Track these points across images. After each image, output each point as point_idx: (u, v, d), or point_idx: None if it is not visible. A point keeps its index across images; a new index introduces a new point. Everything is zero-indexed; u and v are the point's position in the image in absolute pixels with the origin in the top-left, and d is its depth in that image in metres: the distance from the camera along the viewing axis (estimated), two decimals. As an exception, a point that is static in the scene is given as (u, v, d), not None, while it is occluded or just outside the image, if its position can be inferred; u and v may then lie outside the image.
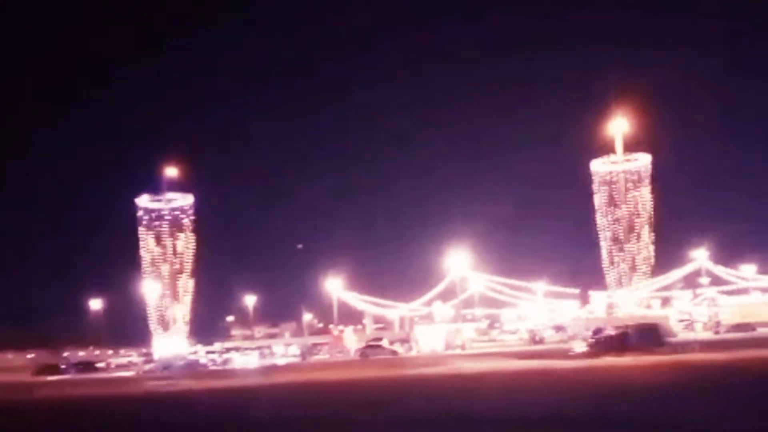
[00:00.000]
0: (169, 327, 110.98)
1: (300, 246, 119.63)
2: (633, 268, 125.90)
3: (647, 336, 41.79)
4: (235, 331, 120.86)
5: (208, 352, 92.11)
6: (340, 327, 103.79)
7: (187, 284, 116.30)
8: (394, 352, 70.93)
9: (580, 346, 45.45)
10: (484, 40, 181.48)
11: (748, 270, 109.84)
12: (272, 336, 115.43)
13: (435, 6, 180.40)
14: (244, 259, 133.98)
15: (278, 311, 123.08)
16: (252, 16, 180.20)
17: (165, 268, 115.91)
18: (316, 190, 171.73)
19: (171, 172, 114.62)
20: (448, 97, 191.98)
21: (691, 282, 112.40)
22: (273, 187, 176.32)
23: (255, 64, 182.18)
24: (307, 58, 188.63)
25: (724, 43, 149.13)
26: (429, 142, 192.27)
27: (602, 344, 41.93)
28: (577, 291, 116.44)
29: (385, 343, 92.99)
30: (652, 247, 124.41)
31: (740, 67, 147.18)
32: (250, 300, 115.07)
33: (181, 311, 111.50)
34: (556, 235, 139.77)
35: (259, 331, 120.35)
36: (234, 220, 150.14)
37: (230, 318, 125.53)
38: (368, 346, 73.92)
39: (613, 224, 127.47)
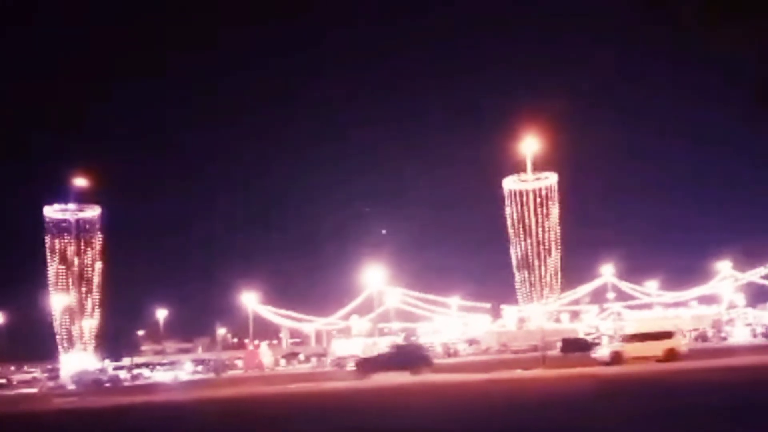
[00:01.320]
0: (75, 342, 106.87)
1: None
2: (543, 283, 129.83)
3: (412, 356, 43.95)
4: (145, 346, 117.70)
5: (116, 368, 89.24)
6: (256, 341, 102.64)
7: (95, 297, 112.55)
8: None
9: (351, 365, 46.87)
10: (397, 64, 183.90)
11: (651, 286, 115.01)
12: (185, 351, 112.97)
13: (353, 35, 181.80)
14: (156, 272, 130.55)
15: (192, 326, 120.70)
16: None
17: (72, 281, 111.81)
18: (232, 201, 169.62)
19: (79, 182, 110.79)
20: (367, 114, 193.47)
21: (598, 297, 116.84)
22: (188, 198, 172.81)
23: (176, 71, 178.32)
24: (228, 68, 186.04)
25: (629, 63, 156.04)
26: (346, 158, 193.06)
27: (370, 363, 43.62)
28: (489, 305, 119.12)
29: (301, 357, 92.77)
30: (560, 264, 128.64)
31: (646, 87, 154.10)
32: (161, 314, 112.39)
33: (89, 325, 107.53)
34: (469, 251, 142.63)
35: (171, 346, 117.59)
36: (146, 232, 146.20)
37: (141, 332, 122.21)
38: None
39: (524, 241, 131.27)
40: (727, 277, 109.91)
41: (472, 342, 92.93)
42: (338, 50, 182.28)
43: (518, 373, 40.32)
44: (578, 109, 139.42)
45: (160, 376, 73.09)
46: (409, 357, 43.83)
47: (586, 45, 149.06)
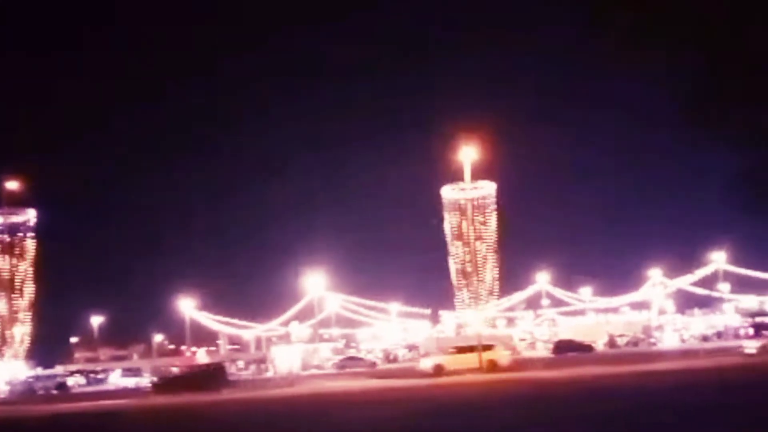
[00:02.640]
0: (6, 349, 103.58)
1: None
2: (480, 289, 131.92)
3: (211, 376, 44.47)
4: (78, 354, 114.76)
5: (48, 376, 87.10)
6: (193, 348, 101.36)
7: (27, 303, 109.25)
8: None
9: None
10: (337, 69, 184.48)
11: (585, 292, 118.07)
12: (120, 358, 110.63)
13: (295, 40, 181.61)
14: (91, 278, 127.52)
15: (127, 333, 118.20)
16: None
17: (2, 286, 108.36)
18: (170, 207, 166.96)
19: (11, 185, 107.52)
20: (307, 120, 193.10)
21: (533, 303, 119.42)
22: (123, 203, 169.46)
23: (120, 70, 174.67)
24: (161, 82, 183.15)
25: (570, 78, 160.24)
26: (286, 164, 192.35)
27: (169, 383, 43.66)
28: (428, 311, 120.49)
29: (240, 363, 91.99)
30: (497, 270, 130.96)
31: (583, 101, 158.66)
32: (95, 321, 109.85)
33: (20, 332, 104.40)
34: (409, 257, 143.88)
35: (105, 353, 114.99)
36: (82, 237, 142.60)
37: (74, 340, 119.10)
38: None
39: (462, 248, 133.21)
40: (657, 284, 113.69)
41: (411, 347, 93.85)
42: (278, 55, 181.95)
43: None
44: (517, 120, 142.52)
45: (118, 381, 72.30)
46: (207, 377, 43.91)
47: (527, 59, 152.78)
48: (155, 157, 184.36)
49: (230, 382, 46.35)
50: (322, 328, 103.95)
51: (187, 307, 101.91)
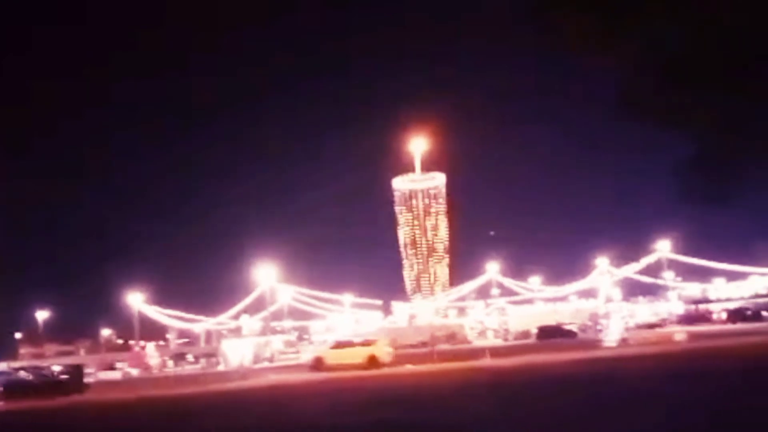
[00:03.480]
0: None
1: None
2: (432, 280, 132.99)
3: (64, 380, 42.78)
4: (23, 350, 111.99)
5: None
6: (142, 342, 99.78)
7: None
8: None
9: None
10: (288, 63, 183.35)
11: (534, 281, 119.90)
12: (66, 354, 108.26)
13: (244, 35, 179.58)
14: (36, 272, 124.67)
15: (74, 327, 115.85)
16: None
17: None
18: (118, 201, 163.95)
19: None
20: (257, 113, 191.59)
21: (483, 293, 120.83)
22: (70, 196, 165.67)
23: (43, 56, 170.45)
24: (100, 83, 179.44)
25: (518, 71, 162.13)
26: (236, 156, 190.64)
27: (20, 388, 41.33)
28: (380, 302, 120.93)
29: (190, 357, 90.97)
30: (448, 261, 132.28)
31: (533, 93, 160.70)
32: (41, 315, 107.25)
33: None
34: (361, 248, 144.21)
35: (51, 348, 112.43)
36: (26, 228, 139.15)
37: (18, 335, 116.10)
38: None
39: (413, 239, 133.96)
40: (604, 272, 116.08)
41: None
42: (229, 50, 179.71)
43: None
44: (466, 114, 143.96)
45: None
46: (59, 382, 42.34)
47: (476, 52, 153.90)
48: (102, 152, 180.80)
49: (86, 385, 44.81)
50: (274, 321, 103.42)
51: (136, 301, 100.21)
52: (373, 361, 41.53)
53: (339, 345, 45.88)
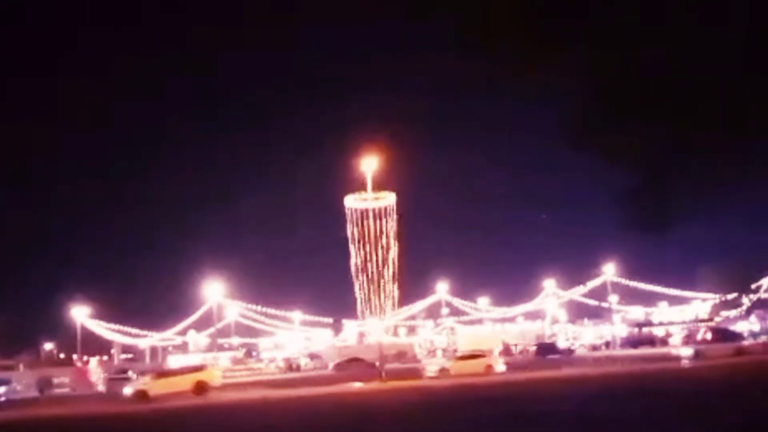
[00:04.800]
0: None
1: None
2: (382, 298, 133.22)
3: None
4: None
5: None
6: (85, 358, 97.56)
7: None
8: None
9: None
10: (239, 75, 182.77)
11: (483, 302, 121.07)
12: (5, 369, 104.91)
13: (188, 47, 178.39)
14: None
15: (14, 341, 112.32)
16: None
17: None
18: (62, 210, 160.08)
19: None
20: (206, 124, 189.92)
21: (433, 312, 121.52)
22: (12, 205, 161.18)
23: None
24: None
25: (466, 91, 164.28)
26: (184, 170, 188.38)
27: None
28: (330, 320, 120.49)
29: (131, 374, 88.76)
30: (398, 280, 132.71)
31: (480, 115, 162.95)
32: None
33: None
34: (311, 265, 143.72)
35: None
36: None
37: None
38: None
39: (364, 257, 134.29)
40: (551, 294, 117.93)
41: (313, 356, 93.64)
42: (186, 58, 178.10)
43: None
44: (416, 133, 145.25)
45: None
46: None
47: (423, 71, 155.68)
48: (49, 161, 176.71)
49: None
50: (221, 337, 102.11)
51: (80, 314, 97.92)
52: (201, 388, 40.56)
53: (163, 374, 44.83)
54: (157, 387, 41.26)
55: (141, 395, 40.68)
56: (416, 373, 49.87)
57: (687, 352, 51.78)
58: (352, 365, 67.55)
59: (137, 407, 36.68)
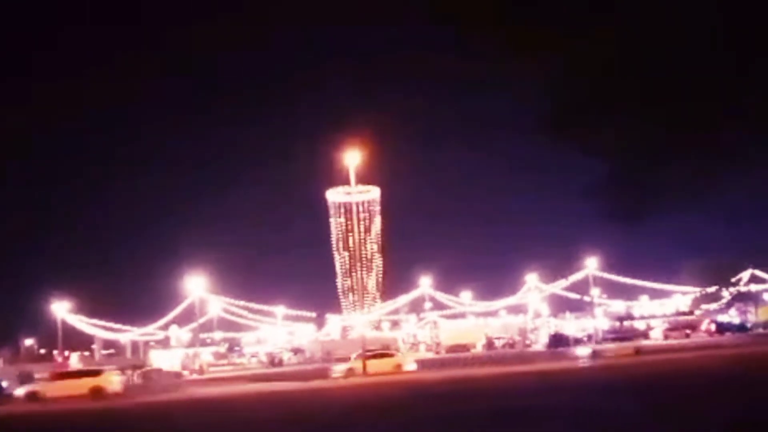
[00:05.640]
0: None
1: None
2: (365, 293, 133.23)
3: None
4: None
5: None
6: (66, 353, 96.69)
7: None
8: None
9: None
10: (227, 71, 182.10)
11: (465, 296, 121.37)
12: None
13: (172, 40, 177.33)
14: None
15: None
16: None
17: None
18: (43, 205, 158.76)
19: None
20: (191, 118, 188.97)
21: (416, 306, 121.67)
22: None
23: None
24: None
25: (447, 89, 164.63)
26: (167, 162, 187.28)
27: None
28: (314, 314, 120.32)
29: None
30: (382, 274, 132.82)
31: (465, 112, 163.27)
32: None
33: None
34: (294, 260, 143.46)
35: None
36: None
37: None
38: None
39: (348, 251, 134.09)
40: (533, 288, 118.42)
41: (296, 351, 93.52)
42: (172, 55, 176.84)
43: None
44: (400, 128, 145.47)
45: None
46: None
47: (404, 70, 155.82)
48: (26, 158, 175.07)
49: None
50: (203, 332, 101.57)
51: (60, 309, 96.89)
52: (98, 393, 39.37)
53: (59, 376, 43.19)
54: (51, 389, 40.31)
55: (32, 397, 39.73)
56: (323, 373, 48.64)
57: (585, 351, 52.10)
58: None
59: (26, 408, 35.81)
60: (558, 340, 78.26)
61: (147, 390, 48.63)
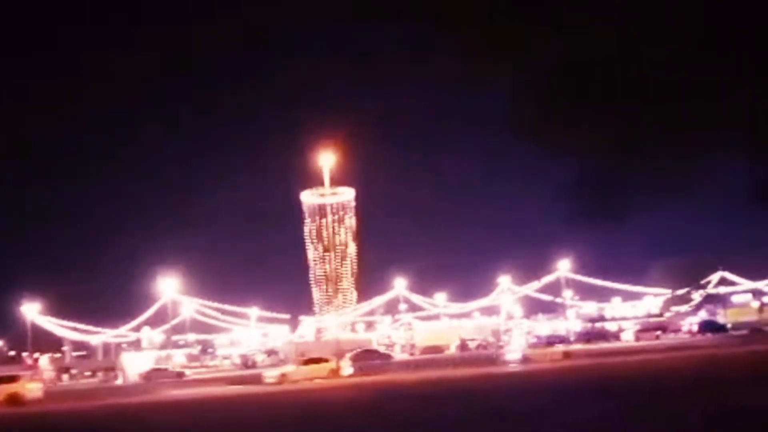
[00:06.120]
0: None
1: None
2: (340, 294, 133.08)
3: None
4: None
5: None
6: (36, 355, 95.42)
7: None
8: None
9: None
10: (199, 74, 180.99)
11: (440, 298, 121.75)
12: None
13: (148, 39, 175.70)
14: None
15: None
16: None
17: None
18: (12, 205, 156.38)
19: None
20: (162, 121, 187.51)
21: (391, 308, 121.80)
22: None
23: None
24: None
25: (422, 88, 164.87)
26: (138, 164, 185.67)
27: None
28: (288, 316, 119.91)
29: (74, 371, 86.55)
30: (356, 275, 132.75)
31: (440, 111, 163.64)
32: None
33: None
34: (269, 261, 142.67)
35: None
36: None
37: None
38: None
39: (322, 252, 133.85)
40: (506, 290, 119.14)
41: (270, 353, 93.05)
42: (145, 53, 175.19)
43: None
44: (374, 128, 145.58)
45: None
46: None
47: (377, 69, 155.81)
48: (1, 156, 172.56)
49: None
50: (176, 334, 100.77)
51: (30, 310, 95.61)
52: (14, 400, 38.26)
53: None
54: None
55: None
56: (256, 379, 47.93)
57: (515, 356, 52.12)
58: (366, 356, 67.49)
59: None
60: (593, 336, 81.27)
61: (82, 395, 47.59)
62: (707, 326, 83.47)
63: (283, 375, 46.38)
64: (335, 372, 46.94)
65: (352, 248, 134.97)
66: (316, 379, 44.64)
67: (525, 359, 50.31)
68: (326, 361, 49.96)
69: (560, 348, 55.71)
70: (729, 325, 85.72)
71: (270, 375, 46.96)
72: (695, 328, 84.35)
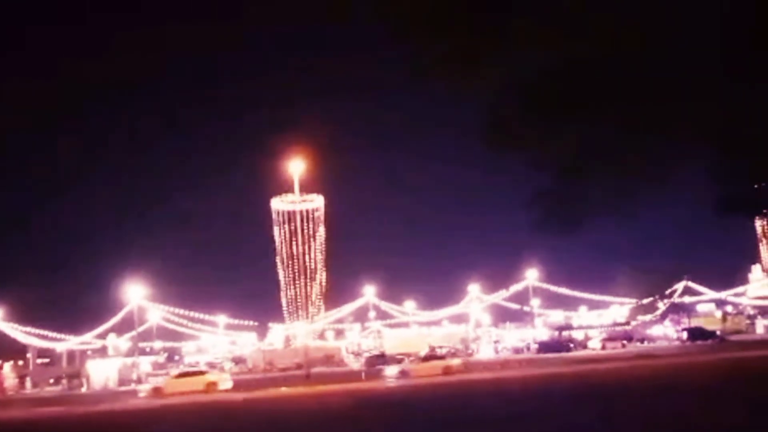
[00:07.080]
0: None
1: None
2: (309, 301, 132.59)
3: None
4: None
5: None
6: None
7: None
8: None
9: None
10: (172, 82, 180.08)
11: (409, 305, 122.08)
12: None
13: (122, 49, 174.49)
14: None
15: None
16: None
17: None
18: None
19: None
20: (133, 126, 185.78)
21: (360, 316, 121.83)
22: None
23: None
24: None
25: (392, 98, 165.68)
26: (104, 172, 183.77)
27: None
28: (256, 323, 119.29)
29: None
30: (326, 283, 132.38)
31: (409, 120, 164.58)
32: None
33: None
34: (237, 268, 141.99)
35: None
36: None
37: None
38: None
39: (291, 260, 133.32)
40: (475, 299, 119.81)
41: (238, 360, 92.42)
42: (115, 61, 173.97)
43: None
44: (344, 138, 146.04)
45: None
46: None
47: (348, 76, 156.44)
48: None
49: None
50: (142, 341, 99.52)
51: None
52: None
53: None
54: None
55: None
56: (131, 393, 47.22)
57: (393, 371, 49.76)
58: (378, 360, 66.76)
59: None
60: (547, 347, 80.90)
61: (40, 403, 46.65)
62: (696, 333, 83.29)
63: (156, 389, 45.01)
64: (213, 386, 44.71)
65: (321, 256, 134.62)
66: (192, 394, 42.41)
67: (403, 374, 47.40)
68: (203, 374, 47.88)
69: (440, 363, 49.72)
70: (718, 332, 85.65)
71: (143, 389, 45.77)
72: (685, 335, 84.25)
